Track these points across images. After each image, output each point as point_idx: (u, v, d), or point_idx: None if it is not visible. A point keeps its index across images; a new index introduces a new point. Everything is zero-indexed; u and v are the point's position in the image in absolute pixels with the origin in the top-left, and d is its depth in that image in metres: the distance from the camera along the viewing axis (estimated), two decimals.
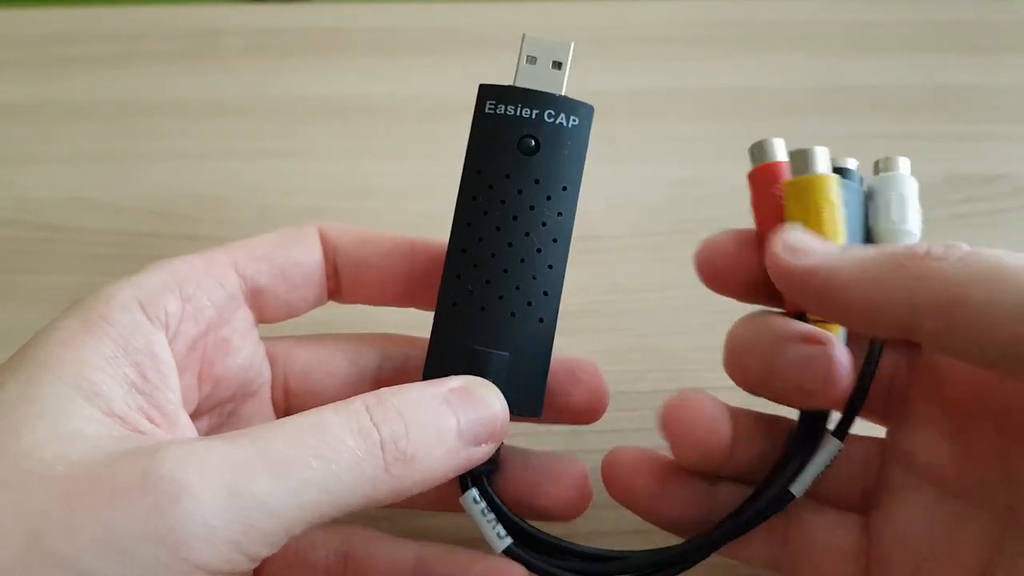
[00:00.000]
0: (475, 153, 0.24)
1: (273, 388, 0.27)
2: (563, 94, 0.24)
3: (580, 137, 0.24)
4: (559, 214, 0.24)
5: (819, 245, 0.22)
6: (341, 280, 0.27)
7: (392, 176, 0.39)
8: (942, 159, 0.41)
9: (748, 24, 0.47)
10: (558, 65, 0.25)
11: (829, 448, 0.23)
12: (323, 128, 0.42)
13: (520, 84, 0.25)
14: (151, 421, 0.21)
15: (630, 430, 0.31)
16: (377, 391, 0.21)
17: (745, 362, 0.23)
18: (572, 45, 0.24)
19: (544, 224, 0.24)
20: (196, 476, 0.18)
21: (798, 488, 0.23)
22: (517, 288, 0.24)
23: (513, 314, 0.24)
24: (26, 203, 0.38)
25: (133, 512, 0.17)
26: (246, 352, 0.25)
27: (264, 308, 0.26)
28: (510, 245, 0.24)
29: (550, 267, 0.24)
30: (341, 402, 0.21)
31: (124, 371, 0.21)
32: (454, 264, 0.24)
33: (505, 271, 0.24)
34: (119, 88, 0.43)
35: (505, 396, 0.23)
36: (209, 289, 0.24)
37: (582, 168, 0.24)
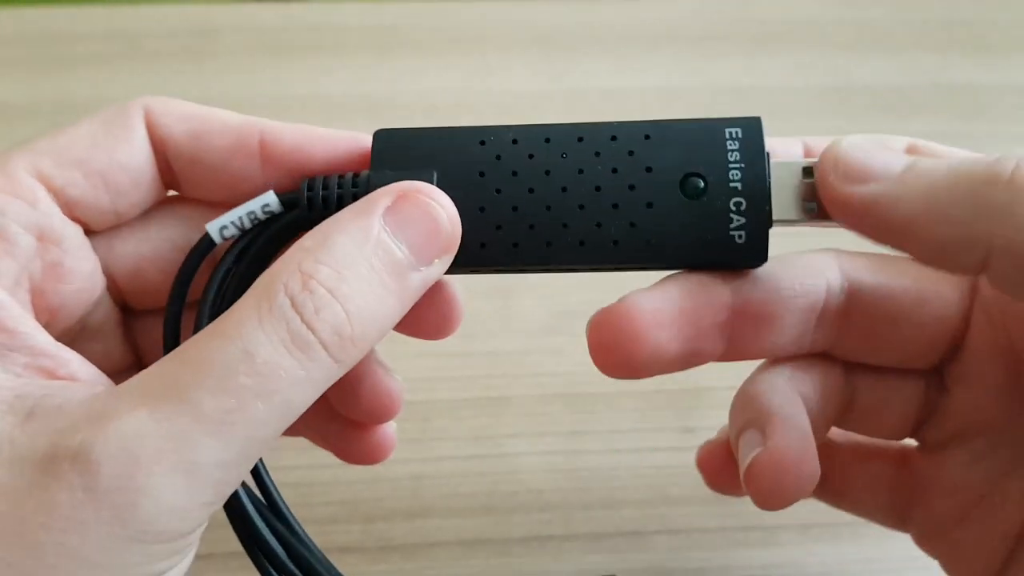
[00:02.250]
0: None
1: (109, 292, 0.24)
2: None
3: None
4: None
5: (879, 164, 0.19)
6: (177, 179, 0.23)
7: None
8: None
9: (748, 23, 0.47)
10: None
11: None
12: (323, 127, 0.42)
13: None
14: (44, 373, 0.19)
15: (631, 430, 0.31)
16: (295, 259, 0.19)
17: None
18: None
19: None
20: (144, 473, 0.16)
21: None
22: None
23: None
24: None
25: (97, 531, 0.16)
26: (83, 271, 0.22)
27: (88, 221, 0.22)
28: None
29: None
30: (258, 298, 0.18)
31: None
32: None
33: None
34: (118, 87, 0.43)
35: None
36: (17, 214, 0.20)
37: None
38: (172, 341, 0.22)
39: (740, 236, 0.21)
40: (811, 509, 0.30)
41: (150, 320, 0.24)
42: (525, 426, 0.27)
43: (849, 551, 0.29)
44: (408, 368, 0.26)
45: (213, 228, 0.22)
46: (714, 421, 0.29)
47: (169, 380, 0.18)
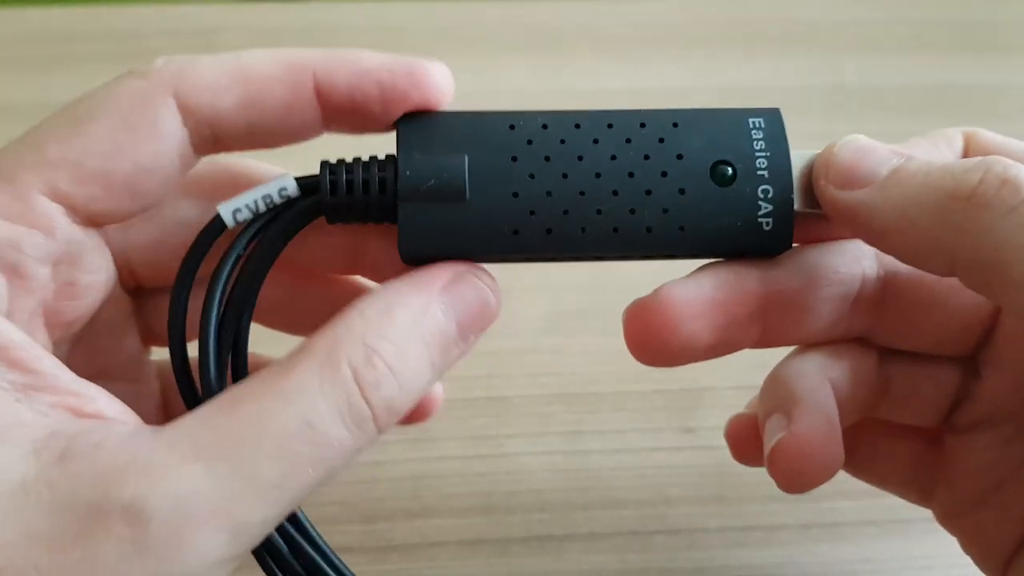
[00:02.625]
0: None
1: (121, 279, 0.23)
2: None
3: None
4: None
5: (865, 170, 0.20)
6: (227, 145, 0.21)
7: None
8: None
9: (749, 23, 0.47)
10: None
11: None
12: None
13: None
14: (71, 412, 0.18)
15: (631, 430, 0.31)
16: (359, 331, 0.19)
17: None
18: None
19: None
20: (191, 530, 0.16)
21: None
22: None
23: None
24: None
25: None
26: (98, 282, 0.21)
27: (108, 223, 0.21)
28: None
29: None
30: (321, 365, 0.18)
31: (7, 378, 0.17)
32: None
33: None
34: None
35: None
36: (34, 247, 0.19)
37: None
38: (177, 329, 0.21)
39: (767, 223, 0.21)
40: (811, 509, 0.30)
41: (165, 299, 0.23)
42: (525, 426, 0.27)
43: (849, 551, 0.29)
44: None
45: (226, 211, 0.21)
46: (714, 421, 0.29)
47: (224, 436, 0.17)
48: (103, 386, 0.19)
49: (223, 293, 0.21)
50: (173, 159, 0.20)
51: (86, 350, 0.23)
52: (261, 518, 0.17)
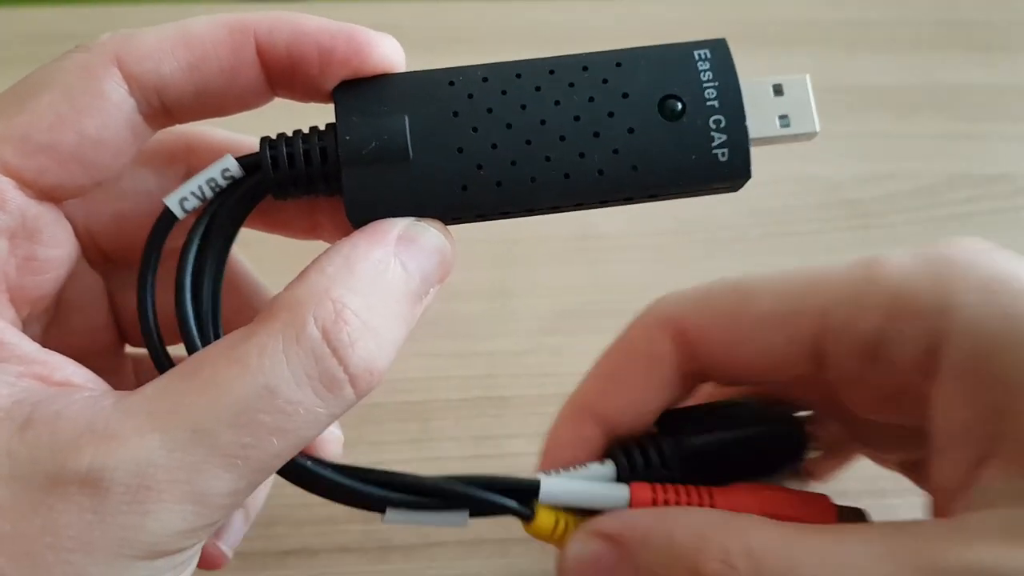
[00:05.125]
0: None
1: (87, 254, 0.22)
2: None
3: None
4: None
5: None
6: (173, 114, 0.20)
7: None
8: (944, 158, 0.41)
9: (748, 23, 0.47)
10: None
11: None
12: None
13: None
14: (39, 380, 0.18)
15: None
16: (321, 281, 0.18)
17: None
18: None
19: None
20: (153, 499, 0.16)
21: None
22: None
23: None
24: None
25: (103, 552, 0.16)
26: (59, 256, 0.20)
27: (64, 196, 0.20)
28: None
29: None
30: (284, 325, 0.17)
31: None
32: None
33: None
34: None
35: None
36: None
37: None
38: (148, 326, 0.21)
39: (723, 154, 0.21)
40: None
41: (133, 276, 0.22)
42: (525, 426, 0.27)
43: None
44: (408, 368, 0.26)
45: (172, 202, 0.21)
46: None
47: (182, 404, 0.17)
48: None
49: (194, 294, 0.21)
50: (121, 129, 0.19)
51: (59, 331, 0.22)
52: (226, 488, 0.17)
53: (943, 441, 0.20)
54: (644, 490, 0.22)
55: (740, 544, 0.18)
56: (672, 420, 0.23)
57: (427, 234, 0.20)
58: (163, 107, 0.20)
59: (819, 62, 0.45)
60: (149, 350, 0.21)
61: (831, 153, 0.41)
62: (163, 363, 0.21)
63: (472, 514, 0.21)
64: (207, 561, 0.24)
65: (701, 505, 0.21)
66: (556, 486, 0.22)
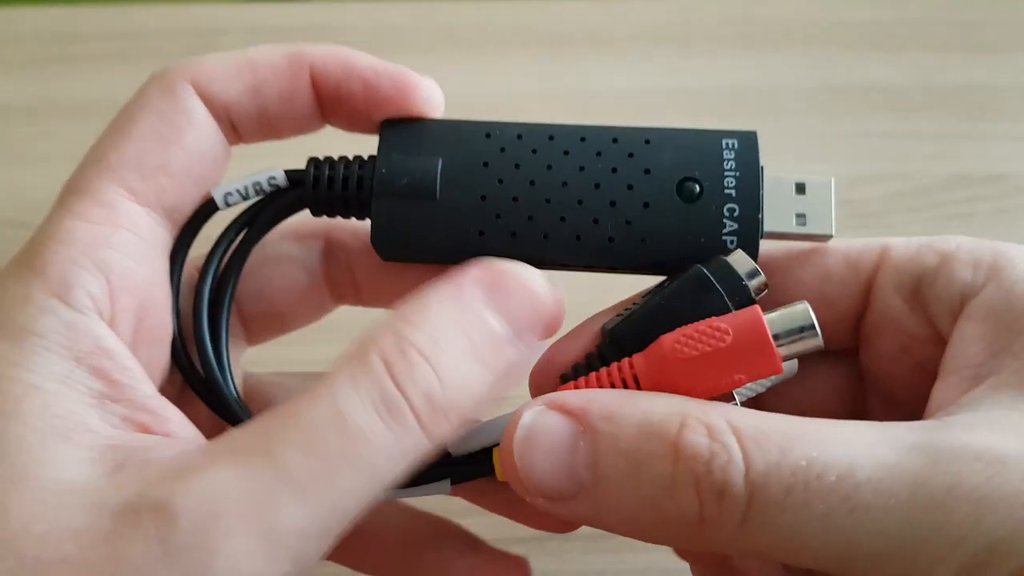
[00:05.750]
0: None
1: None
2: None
3: None
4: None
5: (561, 485, 0.19)
6: (240, 132, 0.23)
7: None
8: (944, 158, 0.41)
9: (748, 22, 0.47)
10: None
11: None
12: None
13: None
14: (141, 428, 0.18)
15: None
16: (391, 325, 0.18)
17: None
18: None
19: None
20: (221, 532, 0.16)
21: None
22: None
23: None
24: (24, 203, 0.38)
25: None
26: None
27: (180, 217, 0.22)
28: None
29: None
30: (351, 358, 0.18)
31: (87, 384, 0.18)
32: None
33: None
34: (119, 87, 0.43)
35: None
36: (124, 246, 0.20)
37: None
38: (176, 304, 0.22)
39: (732, 242, 0.21)
40: None
41: None
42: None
43: None
44: None
45: (218, 194, 0.22)
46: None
47: (258, 435, 0.17)
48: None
49: (215, 273, 0.23)
50: (214, 142, 0.22)
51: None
52: (296, 524, 0.16)
53: (947, 369, 0.20)
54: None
55: (724, 422, 0.18)
56: (608, 325, 0.22)
57: (517, 278, 0.19)
58: (231, 124, 0.22)
59: (819, 62, 0.45)
60: (174, 311, 0.22)
61: (831, 153, 0.41)
62: (182, 357, 0.22)
63: (453, 482, 0.22)
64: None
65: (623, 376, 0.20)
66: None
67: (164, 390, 0.22)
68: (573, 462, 0.18)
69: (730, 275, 0.20)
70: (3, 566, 0.15)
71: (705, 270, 0.20)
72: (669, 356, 0.19)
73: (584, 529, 0.29)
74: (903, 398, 0.23)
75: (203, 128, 0.21)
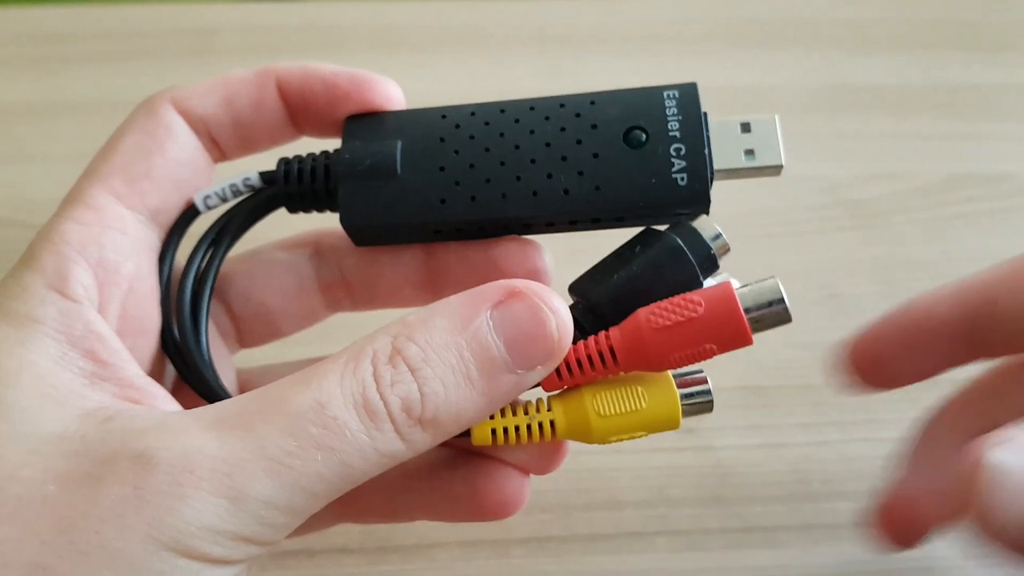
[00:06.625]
0: None
1: (214, 314, 0.25)
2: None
3: None
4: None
5: None
6: (220, 145, 0.25)
7: None
8: (944, 158, 0.40)
9: (748, 22, 0.47)
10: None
11: None
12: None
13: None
14: (132, 401, 0.20)
15: None
16: (391, 330, 0.19)
17: None
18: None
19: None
20: (192, 484, 0.17)
21: None
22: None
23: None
24: (22, 202, 0.38)
25: (134, 530, 0.17)
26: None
27: (166, 218, 0.24)
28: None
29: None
30: (347, 356, 0.19)
31: (80, 365, 0.20)
32: None
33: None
34: (116, 87, 0.43)
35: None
36: (111, 243, 0.21)
37: None
38: (164, 303, 0.24)
39: (682, 178, 0.22)
40: (811, 509, 0.30)
41: None
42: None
43: (849, 551, 0.29)
44: None
45: (198, 198, 0.24)
46: (714, 422, 0.29)
47: (244, 411, 0.18)
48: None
49: (196, 270, 0.24)
50: (193, 152, 0.24)
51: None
52: (263, 495, 0.17)
53: None
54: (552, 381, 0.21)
55: None
56: (579, 287, 0.23)
57: (528, 303, 0.19)
58: (211, 138, 0.24)
59: (819, 62, 0.45)
60: (163, 311, 0.23)
61: (831, 153, 0.41)
62: (168, 338, 0.24)
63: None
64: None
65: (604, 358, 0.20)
66: None
67: (159, 382, 0.23)
68: None
69: (697, 239, 0.21)
70: None
71: (675, 236, 0.21)
72: (644, 327, 0.20)
73: (584, 529, 0.29)
74: None
75: (183, 139, 0.23)
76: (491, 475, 0.22)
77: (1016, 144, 0.41)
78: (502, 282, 0.20)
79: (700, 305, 0.20)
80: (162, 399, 0.20)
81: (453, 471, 0.23)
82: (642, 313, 0.20)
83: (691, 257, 0.21)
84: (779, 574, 0.28)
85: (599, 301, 0.21)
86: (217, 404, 0.19)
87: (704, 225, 0.21)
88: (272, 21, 0.47)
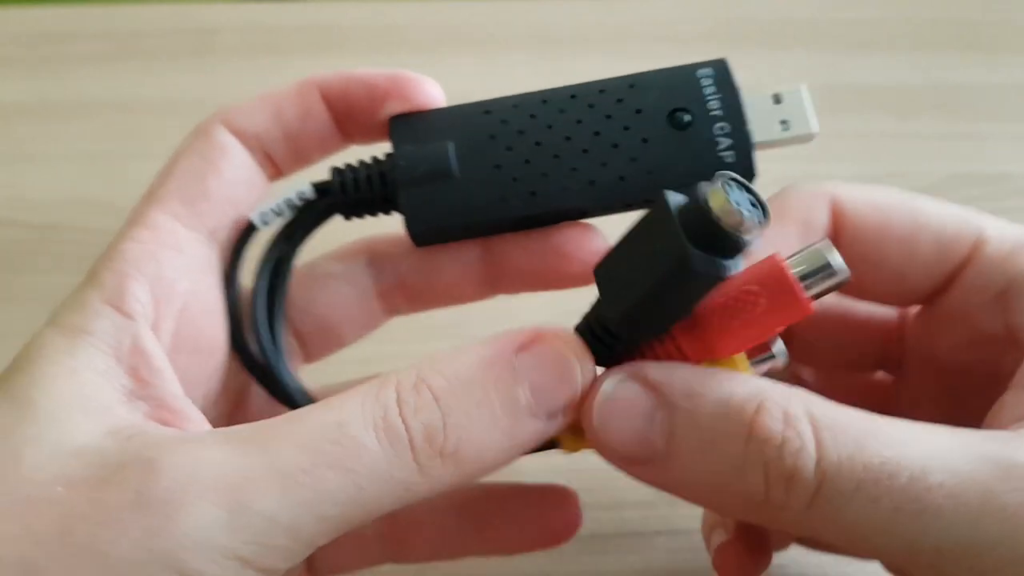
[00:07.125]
0: None
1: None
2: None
3: None
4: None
5: (636, 450, 0.19)
6: (275, 160, 0.25)
7: None
8: (944, 158, 0.41)
9: (748, 22, 0.47)
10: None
11: None
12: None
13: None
14: (162, 423, 0.20)
15: None
16: (418, 364, 0.19)
17: None
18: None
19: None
20: (194, 493, 0.17)
21: None
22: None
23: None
24: (22, 202, 0.38)
25: (129, 535, 0.16)
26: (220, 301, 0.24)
27: (223, 236, 0.24)
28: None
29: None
30: (374, 384, 0.19)
31: (121, 381, 0.20)
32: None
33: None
34: (116, 86, 0.43)
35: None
36: (168, 260, 0.22)
37: None
38: (232, 311, 0.24)
39: (730, 156, 0.23)
40: None
41: None
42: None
43: None
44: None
45: (255, 215, 0.24)
46: None
47: (262, 428, 0.18)
48: None
49: (269, 283, 0.25)
50: (248, 170, 0.24)
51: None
52: (267, 508, 0.17)
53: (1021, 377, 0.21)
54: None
55: (802, 410, 0.18)
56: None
57: (552, 348, 0.19)
58: (265, 154, 0.24)
59: (819, 62, 0.45)
60: (232, 323, 0.24)
61: (831, 153, 0.41)
62: (245, 354, 0.24)
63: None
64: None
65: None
66: None
67: (215, 403, 0.24)
68: (649, 431, 0.19)
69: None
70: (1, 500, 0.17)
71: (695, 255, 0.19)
72: (708, 326, 0.19)
73: (584, 529, 0.29)
74: (948, 384, 0.24)
75: (237, 158, 0.24)
76: (553, 497, 0.24)
77: (1016, 144, 0.41)
78: (530, 327, 0.20)
79: (760, 296, 0.18)
80: (196, 421, 0.20)
81: (509, 499, 0.24)
82: (705, 314, 0.19)
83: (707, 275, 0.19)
84: (778, 573, 0.28)
85: (619, 334, 0.20)
86: (242, 425, 0.18)
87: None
88: (272, 21, 0.47)
